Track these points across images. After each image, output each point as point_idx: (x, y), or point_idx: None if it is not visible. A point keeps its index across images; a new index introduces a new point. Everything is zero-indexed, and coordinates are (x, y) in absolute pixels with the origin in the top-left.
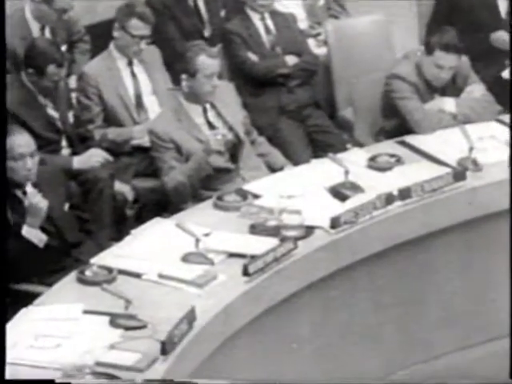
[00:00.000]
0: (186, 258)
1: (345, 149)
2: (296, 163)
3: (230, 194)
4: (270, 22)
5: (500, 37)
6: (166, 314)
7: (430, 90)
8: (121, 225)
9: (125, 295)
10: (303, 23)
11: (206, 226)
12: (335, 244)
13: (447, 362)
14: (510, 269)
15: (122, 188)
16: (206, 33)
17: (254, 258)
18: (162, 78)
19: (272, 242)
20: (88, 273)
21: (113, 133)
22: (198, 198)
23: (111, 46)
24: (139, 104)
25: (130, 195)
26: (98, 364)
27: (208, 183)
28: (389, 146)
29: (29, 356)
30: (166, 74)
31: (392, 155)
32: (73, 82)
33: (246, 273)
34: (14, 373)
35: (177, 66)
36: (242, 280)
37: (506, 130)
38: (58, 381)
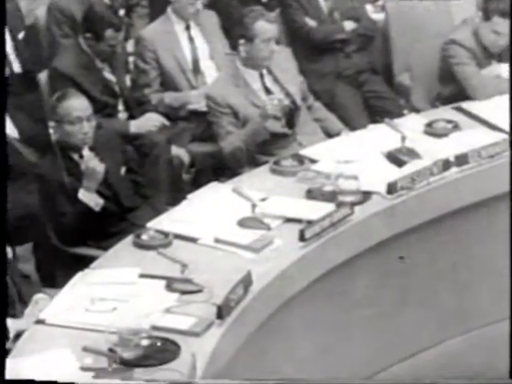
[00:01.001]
0: (242, 223)
1: (402, 114)
2: (353, 128)
3: (286, 158)
4: None
5: None
6: (221, 279)
7: (487, 55)
8: (177, 189)
9: (181, 259)
10: None
11: (262, 190)
12: (392, 209)
13: (502, 329)
14: None
15: (179, 152)
16: None
17: (310, 223)
18: (220, 43)
19: (328, 207)
20: (144, 237)
21: (169, 97)
22: (254, 163)
23: (169, 10)
24: (196, 68)
25: (186, 160)
26: (154, 328)
27: (264, 148)
28: (445, 112)
29: (85, 319)
30: (223, 38)
31: (449, 121)
32: (130, 46)
33: (302, 238)
34: (68, 336)
35: (235, 31)
36: (298, 245)
37: None
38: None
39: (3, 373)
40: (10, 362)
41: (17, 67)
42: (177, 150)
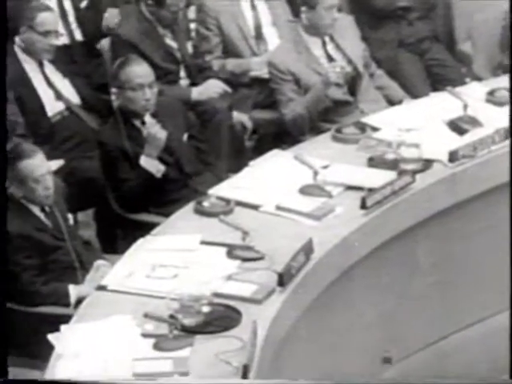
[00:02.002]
0: (303, 190)
1: (463, 82)
2: (415, 96)
3: (348, 126)
4: None
5: None
6: (283, 246)
7: None
8: (239, 156)
9: (242, 226)
10: None
11: (324, 158)
12: (453, 178)
13: None
14: None
15: (241, 119)
16: None
17: (371, 190)
18: (282, 10)
19: (390, 175)
20: (206, 204)
21: (231, 64)
22: (316, 131)
23: None
24: (258, 35)
25: (248, 126)
26: (216, 295)
27: (326, 115)
28: (507, 81)
29: (146, 286)
30: (286, 5)
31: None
32: (192, 12)
33: (363, 206)
34: (129, 302)
35: None
36: (359, 213)
37: None
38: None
39: (4, 373)
40: (72, 328)
41: (79, 36)
42: (239, 117)
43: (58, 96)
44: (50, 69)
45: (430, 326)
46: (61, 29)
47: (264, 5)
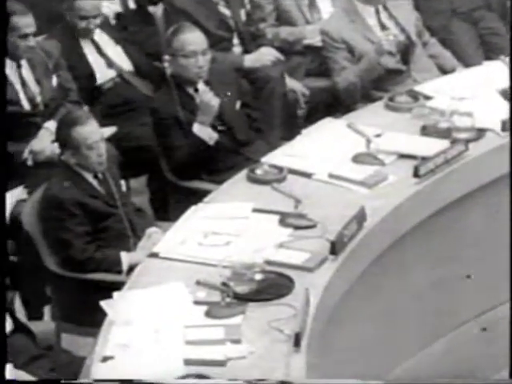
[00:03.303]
0: (356, 159)
1: None
2: (467, 65)
3: (401, 95)
4: None
5: None
6: (335, 214)
7: None
8: (292, 124)
9: (295, 194)
10: None
11: (377, 126)
12: (506, 146)
13: None
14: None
15: (294, 87)
16: None
17: (424, 159)
18: None
19: (443, 143)
20: (258, 171)
21: (285, 32)
22: (368, 99)
23: None
24: (312, 3)
25: (301, 94)
26: (268, 262)
27: (379, 84)
28: None
29: (198, 253)
30: None
31: None
32: None
33: (416, 174)
34: (181, 269)
35: None
36: (412, 181)
37: None
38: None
39: (3, 373)
40: (124, 295)
41: (132, 3)
42: (292, 85)
43: (110, 64)
44: (101, 37)
45: (480, 295)
46: None
47: None
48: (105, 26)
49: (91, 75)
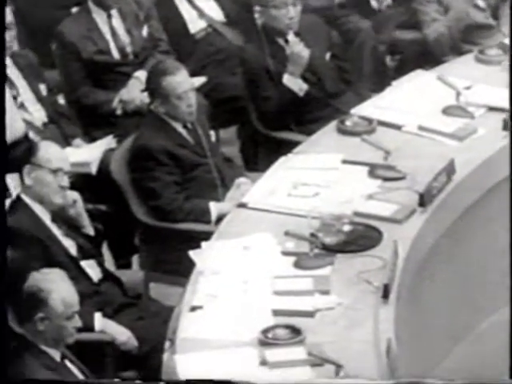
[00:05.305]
0: (446, 111)
1: None
2: None
3: (491, 47)
4: None
5: None
6: (424, 166)
7: None
8: (382, 76)
9: (384, 146)
10: None
11: (467, 79)
12: None
13: None
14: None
15: (383, 39)
16: None
17: None
18: None
19: None
20: (348, 123)
21: None
22: (458, 52)
23: None
24: None
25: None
26: (357, 214)
27: (469, 37)
28: None
29: (287, 204)
30: None
31: None
32: None
33: (505, 127)
34: (269, 220)
35: None
36: (501, 134)
37: None
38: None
39: (5, 373)
40: (212, 245)
41: None
42: (381, 37)
43: (201, 14)
44: None
45: None
46: None
47: None
48: None
49: (183, 26)
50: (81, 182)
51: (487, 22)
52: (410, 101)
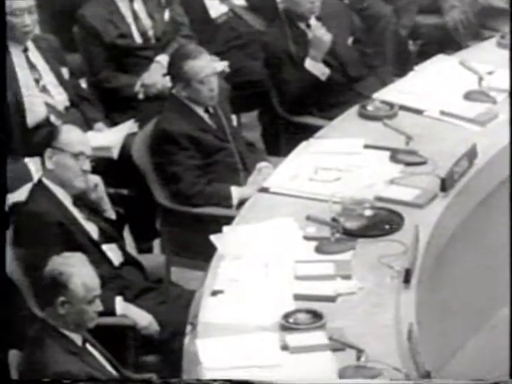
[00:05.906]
0: (468, 96)
1: None
2: None
3: None
4: None
5: None
6: (446, 151)
7: None
8: (404, 60)
9: (406, 131)
10: None
11: (489, 64)
12: None
13: None
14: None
15: (405, 24)
16: None
17: None
18: None
19: None
20: (370, 108)
21: None
22: (480, 37)
23: None
24: None
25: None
26: (378, 199)
27: (486, 21)
28: None
29: (308, 188)
30: None
31: None
32: None
33: None
34: (291, 204)
35: None
36: None
37: None
38: (335, 216)
39: (7, 373)
40: (234, 229)
41: None
42: (403, 22)
43: None
44: None
45: None
46: None
47: None
48: None
49: (204, 10)
50: (102, 165)
51: (506, 8)
52: (431, 86)
